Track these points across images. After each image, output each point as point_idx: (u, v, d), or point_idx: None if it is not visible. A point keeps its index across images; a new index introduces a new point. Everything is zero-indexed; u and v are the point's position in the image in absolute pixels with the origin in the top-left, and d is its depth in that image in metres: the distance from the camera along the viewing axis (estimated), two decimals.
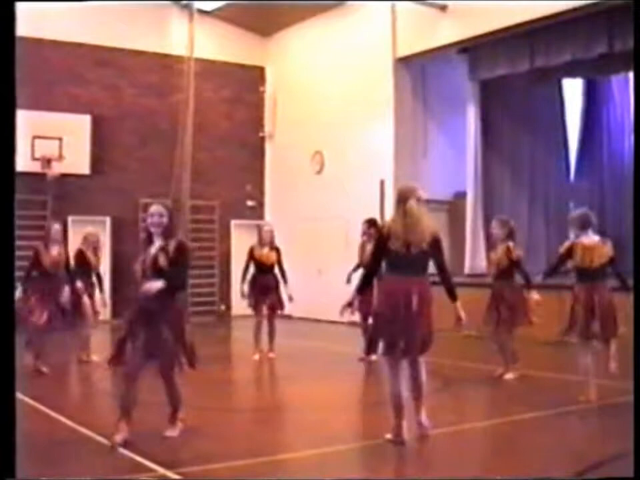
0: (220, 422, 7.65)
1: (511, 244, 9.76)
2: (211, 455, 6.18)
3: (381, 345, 6.60)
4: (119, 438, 6.33)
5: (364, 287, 6.85)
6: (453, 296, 6.67)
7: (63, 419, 7.54)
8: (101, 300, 11.64)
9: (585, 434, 7.27)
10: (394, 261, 6.48)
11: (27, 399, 8.15)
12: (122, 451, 6.22)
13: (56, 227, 10.78)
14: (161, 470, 5.71)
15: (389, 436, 6.58)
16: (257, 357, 11.78)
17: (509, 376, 9.70)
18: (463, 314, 6.63)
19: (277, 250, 12.07)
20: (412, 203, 6.44)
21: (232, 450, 6.36)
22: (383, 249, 6.52)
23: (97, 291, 11.50)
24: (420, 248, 6.42)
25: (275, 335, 12.01)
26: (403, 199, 6.54)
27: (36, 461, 6.03)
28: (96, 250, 11.52)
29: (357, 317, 12.24)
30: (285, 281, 12.06)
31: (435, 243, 6.52)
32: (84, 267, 11.22)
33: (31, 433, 6.73)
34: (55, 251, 10.52)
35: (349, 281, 11.42)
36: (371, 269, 6.78)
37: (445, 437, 6.82)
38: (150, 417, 7.72)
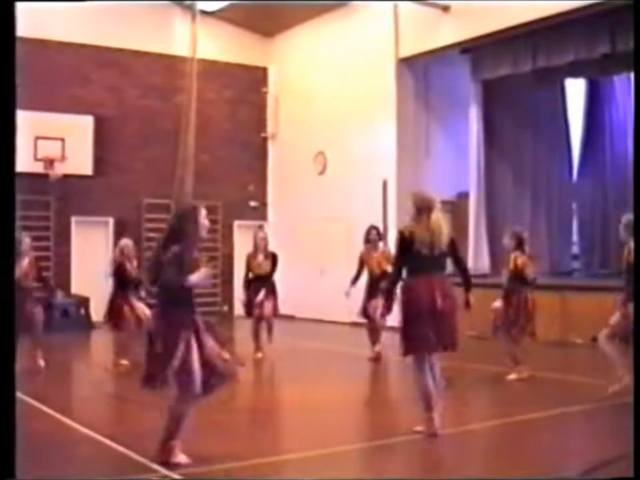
0: (223, 423, 7.64)
1: (514, 255, 9.83)
2: (214, 455, 6.17)
3: (409, 344, 6.83)
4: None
5: (392, 289, 7.10)
6: (468, 285, 7.26)
7: (65, 420, 7.56)
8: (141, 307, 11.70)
9: (589, 434, 7.27)
10: (418, 262, 6.80)
11: (28, 399, 8.17)
12: (124, 451, 6.23)
13: (26, 239, 11.08)
14: (164, 471, 5.70)
15: (419, 428, 6.78)
16: (260, 355, 11.83)
17: (511, 377, 9.71)
18: (472, 300, 7.18)
19: (273, 256, 12.06)
20: (437, 213, 6.86)
21: (234, 451, 6.33)
22: (407, 253, 6.81)
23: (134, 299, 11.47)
24: (441, 249, 6.85)
25: (272, 335, 12.01)
26: (425, 208, 6.87)
27: (38, 462, 6.03)
28: (131, 259, 11.53)
29: (355, 318, 12.35)
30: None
31: (452, 243, 6.99)
32: (125, 278, 11.31)
33: (33, 434, 6.75)
34: (25, 262, 10.80)
35: (347, 295, 11.52)
36: (396, 272, 7.06)
37: (449, 438, 6.81)
38: (151, 416, 7.74)
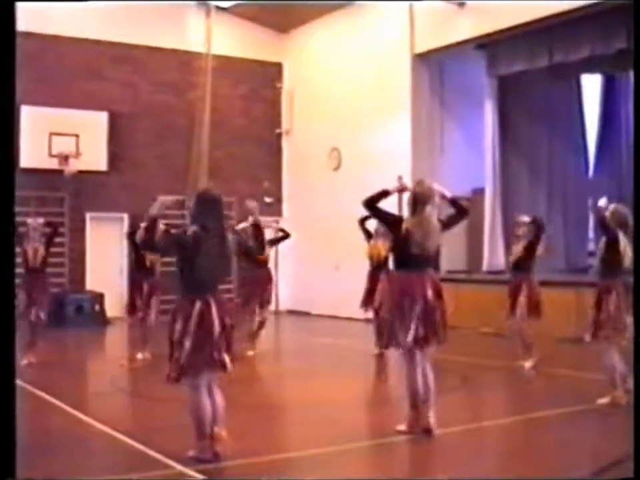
0: (233, 419, 7.61)
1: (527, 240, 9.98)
2: (226, 452, 6.15)
3: (399, 339, 6.58)
4: None
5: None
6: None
7: (80, 415, 7.55)
8: None
9: (600, 433, 7.20)
10: (408, 259, 6.61)
11: (43, 394, 8.17)
12: (139, 447, 6.22)
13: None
14: (178, 467, 5.70)
15: (402, 427, 6.62)
16: (251, 353, 11.49)
17: (527, 364, 9.83)
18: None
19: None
20: (429, 210, 6.61)
21: (246, 447, 6.27)
22: (399, 248, 6.70)
23: None
24: (431, 252, 6.64)
25: (262, 330, 11.89)
26: (421, 202, 6.66)
27: (52, 457, 6.01)
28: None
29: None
30: None
31: (437, 250, 6.84)
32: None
33: (48, 429, 6.75)
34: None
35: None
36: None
37: (460, 435, 6.78)
38: (167, 412, 7.75)
